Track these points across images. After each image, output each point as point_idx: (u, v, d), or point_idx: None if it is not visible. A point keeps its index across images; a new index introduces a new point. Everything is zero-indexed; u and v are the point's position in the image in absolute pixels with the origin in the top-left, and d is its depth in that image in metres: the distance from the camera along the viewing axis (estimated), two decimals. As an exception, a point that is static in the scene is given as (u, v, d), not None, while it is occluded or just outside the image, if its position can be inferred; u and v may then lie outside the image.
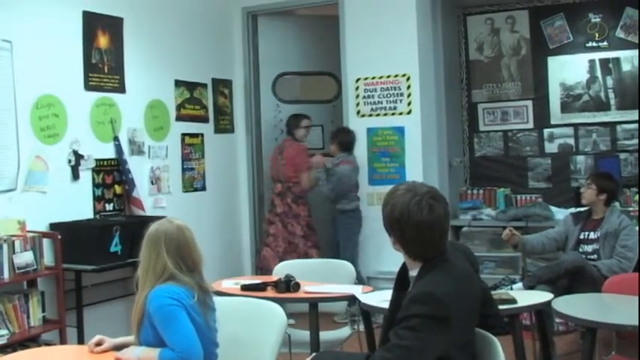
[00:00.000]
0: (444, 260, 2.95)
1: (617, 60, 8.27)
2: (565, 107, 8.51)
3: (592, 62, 8.39)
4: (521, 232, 7.82)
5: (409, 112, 7.78)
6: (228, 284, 5.25)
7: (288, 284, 4.96)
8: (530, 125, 8.70)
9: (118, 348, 3.50)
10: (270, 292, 4.98)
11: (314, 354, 3.03)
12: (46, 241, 5.88)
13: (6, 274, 5.48)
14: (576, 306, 4.45)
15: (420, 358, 2.79)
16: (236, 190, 8.61)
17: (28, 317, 5.68)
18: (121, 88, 6.94)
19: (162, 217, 3.76)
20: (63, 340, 5.78)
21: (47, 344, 5.48)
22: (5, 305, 5.54)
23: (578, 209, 6.69)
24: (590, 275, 5.73)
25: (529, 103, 8.68)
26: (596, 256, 6.02)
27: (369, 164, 7.98)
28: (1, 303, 5.52)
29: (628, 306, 4.17)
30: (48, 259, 5.90)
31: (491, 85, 8.85)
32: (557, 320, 6.23)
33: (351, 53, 8.01)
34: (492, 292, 4.86)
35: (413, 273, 3.02)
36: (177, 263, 3.48)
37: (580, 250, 6.11)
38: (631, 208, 7.57)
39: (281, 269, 5.53)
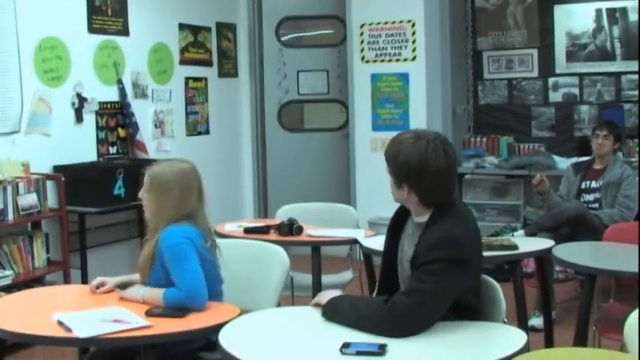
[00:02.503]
0: (453, 204, 2.96)
1: (623, 10, 8.20)
2: (570, 56, 8.47)
3: (599, 11, 8.32)
4: (524, 181, 7.89)
5: (414, 59, 7.76)
6: (232, 227, 5.27)
7: (291, 227, 4.98)
8: (535, 74, 8.67)
9: (122, 286, 3.52)
10: (273, 235, 5.00)
11: (329, 297, 2.99)
12: (49, 184, 5.91)
13: (10, 216, 5.52)
14: (577, 253, 4.47)
15: (440, 302, 2.81)
16: (239, 134, 8.61)
17: (32, 258, 5.74)
18: (124, 31, 6.91)
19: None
20: (67, 281, 5.83)
21: (51, 285, 5.52)
22: (10, 246, 5.59)
23: (580, 159, 6.69)
24: (591, 224, 5.75)
25: (534, 51, 8.64)
26: (597, 205, 6.04)
27: (373, 110, 7.97)
28: (5, 244, 5.57)
29: (628, 254, 4.19)
30: (52, 201, 5.93)
31: (496, 33, 8.80)
32: (557, 268, 6.27)
33: (357, -3, 7.97)
34: (494, 239, 4.91)
35: (420, 219, 3.00)
36: (196, 202, 3.53)
37: (582, 199, 6.12)
38: (633, 159, 7.57)
39: (284, 213, 5.55)
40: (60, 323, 2.99)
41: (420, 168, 2.90)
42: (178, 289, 3.29)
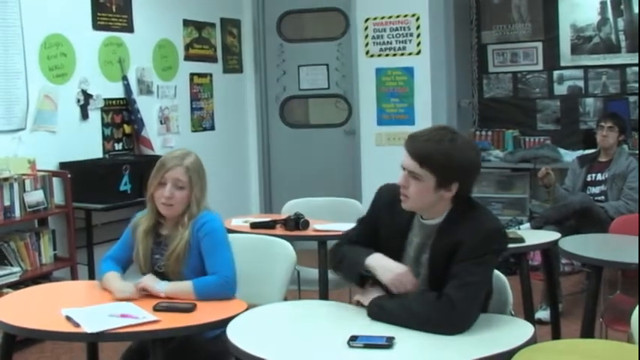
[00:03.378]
0: (470, 197, 2.97)
1: (628, 2, 8.18)
2: (575, 49, 8.46)
3: (603, 4, 8.30)
4: (530, 174, 7.88)
5: (418, 53, 7.76)
6: (238, 222, 5.28)
7: (298, 222, 4.98)
8: (540, 67, 8.65)
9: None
10: (279, 230, 5.00)
11: (372, 297, 2.96)
12: (56, 180, 5.94)
13: (17, 213, 5.55)
14: (583, 245, 4.47)
15: (483, 293, 2.83)
16: (245, 130, 8.62)
17: (39, 255, 5.77)
18: (129, 28, 6.92)
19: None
20: (74, 278, 5.86)
21: (59, 281, 5.53)
22: (17, 243, 5.61)
23: (586, 152, 6.69)
24: (597, 216, 5.76)
25: (539, 44, 8.63)
26: (603, 197, 6.04)
27: (378, 104, 7.98)
28: (12, 241, 5.59)
29: (634, 246, 4.18)
30: (58, 198, 5.95)
31: (501, 26, 8.79)
32: (563, 261, 6.28)
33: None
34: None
35: (434, 221, 2.93)
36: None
37: (587, 191, 6.12)
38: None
39: (290, 207, 5.55)
40: (68, 318, 3.00)
41: (476, 165, 2.92)
42: (216, 276, 3.34)
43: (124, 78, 6.81)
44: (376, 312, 2.87)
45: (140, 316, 3.03)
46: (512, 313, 3.05)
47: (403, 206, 2.94)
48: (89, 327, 2.90)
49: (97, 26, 6.57)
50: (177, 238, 3.47)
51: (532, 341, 2.61)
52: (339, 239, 3.24)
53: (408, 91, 7.83)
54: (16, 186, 5.52)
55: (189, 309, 3.17)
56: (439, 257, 2.87)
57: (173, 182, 3.46)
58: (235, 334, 2.77)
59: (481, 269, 2.78)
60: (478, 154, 2.96)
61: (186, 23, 7.68)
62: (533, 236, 4.85)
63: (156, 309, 3.14)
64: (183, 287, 3.33)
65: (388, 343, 2.60)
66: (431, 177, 2.82)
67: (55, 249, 5.91)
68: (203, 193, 3.54)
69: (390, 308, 2.83)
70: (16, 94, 5.85)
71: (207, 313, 3.16)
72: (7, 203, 5.46)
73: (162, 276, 3.45)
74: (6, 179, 5.46)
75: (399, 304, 2.83)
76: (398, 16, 7.77)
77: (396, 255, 2.98)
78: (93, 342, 3.62)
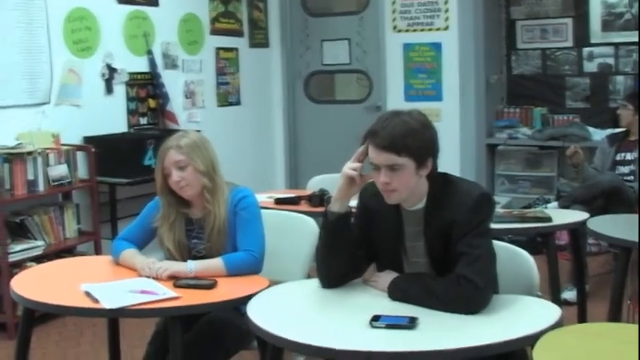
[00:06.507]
0: (441, 173, 2.93)
1: (661, -23, 8.03)
2: (606, 26, 8.31)
3: (635, -21, 8.16)
4: (558, 153, 7.79)
5: (446, 28, 7.68)
6: (262, 198, 5.23)
7: (322, 198, 4.95)
8: (570, 43, 8.51)
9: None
10: (303, 206, 4.98)
11: (390, 279, 2.88)
12: (80, 154, 5.93)
13: (41, 187, 5.54)
14: (611, 226, 4.39)
15: (494, 261, 2.80)
16: (270, 105, 8.58)
17: (63, 229, 5.76)
18: (154, 1, 6.89)
19: (197, 131, 3.79)
20: (98, 252, 5.85)
21: (82, 255, 5.54)
22: (41, 217, 5.61)
23: (615, 130, 6.59)
24: (626, 196, 5.67)
25: (569, 20, 8.48)
26: (632, 177, 5.95)
27: (405, 80, 7.92)
28: (36, 215, 5.59)
29: (664, 227, 4.12)
30: (82, 172, 5.94)
31: (530, 2, 8.65)
32: (590, 241, 6.20)
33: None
34: (527, 211, 4.85)
35: (417, 205, 2.90)
36: None
37: (617, 171, 6.03)
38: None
39: (315, 183, 5.52)
40: (87, 294, 2.98)
41: (436, 132, 2.87)
42: (247, 253, 3.34)
43: (149, 52, 6.78)
44: (399, 294, 2.83)
45: (160, 293, 3.00)
46: (539, 294, 2.99)
47: (390, 201, 2.88)
48: (108, 303, 2.88)
49: (121, 0, 6.53)
50: (212, 216, 3.46)
51: (558, 324, 2.56)
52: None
53: (435, 67, 7.75)
54: (40, 160, 5.51)
55: (211, 285, 3.14)
56: (436, 242, 2.85)
57: (174, 166, 3.43)
58: (255, 311, 2.74)
59: (482, 239, 2.77)
60: (429, 120, 2.91)
61: (212, -3, 7.65)
62: (561, 215, 4.78)
63: (176, 285, 3.11)
64: (213, 264, 3.31)
65: (411, 324, 2.55)
66: (410, 161, 2.78)
67: (78, 223, 5.91)
68: (210, 165, 3.49)
69: (412, 290, 2.80)
70: (41, 68, 5.83)
71: (228, 289, 3.14)
72: (31, 177, 5.45)
73: (202, 259, 3.43)
74: (30, 153, 5.45)
75: (421, 285, 2.79)
76: (426, -9, 7.71)
77: (395, 252, 2.97)
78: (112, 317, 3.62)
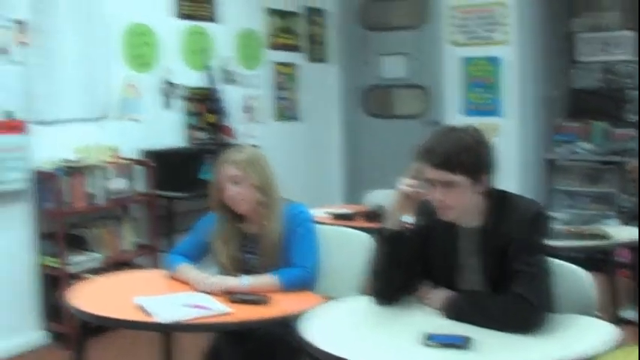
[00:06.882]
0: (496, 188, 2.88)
1: None
2: (669, 38, 8.17)
3: (700, -10, 8.00)
4: (619, 168, 7.66)
5: (505, 42, 7.60)
6: (318, 213, 5.24)
7: (378, 214, 4.93)
8: (631, 56, 8.39)
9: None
10: (359, 222, 4.96)
11: (444, 297, 2.86)
12: (138, 168, 5.98)
13: (100, 200, 5.61)
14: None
15: (551, 281, 2.75)
16: (328, 120, 8.58)
17: (121, 242, 5.82)
18: (212, 17, 6.95)
19: (254, 146, 3.81)
20: (155, 266, 5.88)
21: (139, 268, 5.59)
22: (99, 230, 5.69)
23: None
24: (689, 213, 5.56)
25: (631, 33, 8.36)
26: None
27: (464, 95, 7.86)
28: (95, 227, 5.67)
29: None
30: (140, 185, 5.99)
31: (591, 14, 8.54)
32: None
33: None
34: (586, 228, 4.77)
35: (474, 223, 2.85)
36: None
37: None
38: None
39: (372, 198, 5.50)
40: (141, 307, 2.99)
41: (492, 147, 2.82)
42: (302, 269, 3.36)
43: (208, 67, 6.83)
44: (452, 312, 2.79)
45: (214, 308, 3.01)
46: (598, 313, 2.93)
47: (446, 218, 2.85)
48: (161, 317, 2.89)
49: (180, 15, 6.62)
50: (266, 231, 3.47)
51: (617, 344, 2.50)
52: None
53: (494, 81, 7.68)
54: (99, 174, 5.59)
55: (264, 301, 3.13)
56: (491, 259, 2.81)
57: (229, 180, 3.47)
58: (307, 328, 2.72)
59: (539, 257, 2.73)
60: (485, 136, 2.85)
61: (271, 12, 7.68)
62: (621, 232, 4.69)
63: (230, 300, 3.11)
64: (267, 280, 3.32)
65: (465, 343, 2.51)
66: (464, 178, 2.74)
67: (136, 236, 5.97)
68: (266, 180, 3.51)
69: (467, 309, 2.76)
70: (100, 82, 5.91)
71: (281, 305, 3.13)
72: (90, 190, 5.53)
73: (255, 274, 3.43)
74: (89, 167, 5.54)
75: (476, 304, 2.75)
76: (484, 4, 7.62)
77: (450, 269, 2.93)
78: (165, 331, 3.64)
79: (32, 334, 5.48)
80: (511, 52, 7.60)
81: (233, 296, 3.15)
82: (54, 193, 5.36)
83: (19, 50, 5.30)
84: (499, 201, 2.85)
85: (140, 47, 6.24)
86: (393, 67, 8.37)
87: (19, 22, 5.29)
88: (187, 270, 3.46)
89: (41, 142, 5.46)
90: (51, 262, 5.41)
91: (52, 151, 5.50)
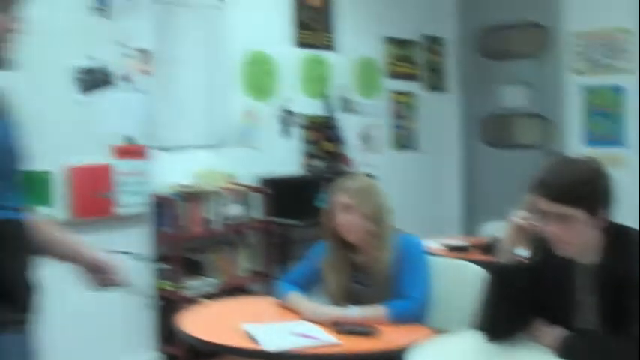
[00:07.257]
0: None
1: None
2: None
3: None
4: None
5: (629, 70, 7.36)
6: (433, 244, 5.19)
7: (493, 246, 4.82)
8: None
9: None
10: (474, 254, 4.88)
11: (558, 337, 2.78)
12: (254, 195, 6.03)
13: (216, 226, 5.68)
14: None
15: None
16: (446, 150, 8.50)
17: (235, 267, 5.87)
18: (331, 46, 6.99)
19: (370, 175, 3.79)
20: (268, 292, 5.91)
21: (254, 294, 5.62)
22: (215, 255, 5.76)
23: None
24: None
25: None
26: None
27: (585, 125, 7.65)
28: (211, 252, 5.73)
29: None
30: (256, 212, 6.04)
31: None
32: None
33: (567, 4, 7.66)
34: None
35: (589, 258, 2.71)
36: None
37: None
38: None
39: (489, 230, 5.41)
40: (248, 334, 2.99)
41: (610, 178, 2.69)
42: (412, 301, 3.32)
43: (326, 96, 6.87)
44: (567, 352, 2.68)
45: (321, 338, 2.98)
46: None
47: (564, 254, 2.72)
48: (267, 344, 2.89)
49: (299, 44, 6.68)
50: (376, 262, 3.45)
51: None
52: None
53: (618, 110, 7.46)
54: (216, 200, 5.67)
55: (372, 333, 3.09)
56: (608, 298, 2.67)
57: (341, 209, 3.47)
58: (415, 361, 2.67)
59: None
60: (604, 168, 2.71)
61: (389, 41, 7.67)
62: None
63: (338, 331, 3.08)
64: (376, 312, 3.29)
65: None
66: (581, 213, 2.61)
67: (251, 262, 6.01)
68: (378, 210, 3.49)
69: (584, 350, 2.65)
70: (219, 110, 6.01)
71: (390, 337, 3.09)
72: (206, 216, 5.60)
73: (364, 304, 3.40)
74: (206, 192, 5.62)
75: (594, 345, 2.64)
76: (607, 31, 7.42)
77: (564, 307, 2.80)
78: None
79: (146, 355, 5.57)
80: (634, 81, 7.36)
81: (341, 327, 3.12)
82: (172, 218, 5.46)
83: (142, 78, 5.44)
84: (618, 237, 2.72)
85: (259, 76, 6.32)
86: (513, 96, 8.23)
87: (143, 51, 5.43)
88: (297, 298, 3.46)
89: (161, 167, 5.58)
90: (167, 285, 5.50)
91: (171, 177, 5.63)
